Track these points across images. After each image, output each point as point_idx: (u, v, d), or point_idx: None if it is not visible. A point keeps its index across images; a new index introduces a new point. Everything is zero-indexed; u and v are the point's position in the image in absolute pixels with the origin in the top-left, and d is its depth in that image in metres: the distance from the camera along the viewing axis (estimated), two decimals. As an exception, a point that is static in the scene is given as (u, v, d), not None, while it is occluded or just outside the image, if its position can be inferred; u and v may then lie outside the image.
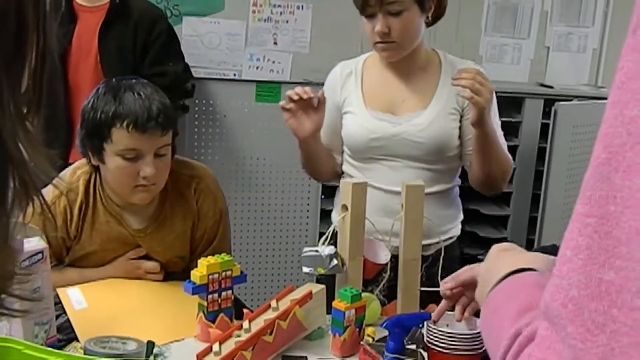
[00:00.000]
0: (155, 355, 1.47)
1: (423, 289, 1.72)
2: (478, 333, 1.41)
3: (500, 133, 1.88)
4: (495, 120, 1.85)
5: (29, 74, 0.51)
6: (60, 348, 1.47)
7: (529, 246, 2.98)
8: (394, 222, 1.72)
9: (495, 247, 0.95)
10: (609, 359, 0.42)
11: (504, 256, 0.88)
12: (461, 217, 2.03)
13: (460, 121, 1.88)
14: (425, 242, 1.76)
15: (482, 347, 1.41)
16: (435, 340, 1.40)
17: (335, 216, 1.86)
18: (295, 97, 1.78)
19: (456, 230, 1.98)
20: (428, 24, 1.86)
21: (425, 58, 1.91)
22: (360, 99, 1.91)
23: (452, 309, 1.37)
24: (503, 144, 1.88)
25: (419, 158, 1.86)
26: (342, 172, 2.01)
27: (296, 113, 1.81)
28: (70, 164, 1.84)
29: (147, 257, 1.85)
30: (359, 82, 1.93)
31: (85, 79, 2.54)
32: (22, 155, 0.50)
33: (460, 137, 1.89)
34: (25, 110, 0.51)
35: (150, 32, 2.59)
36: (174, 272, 1.89)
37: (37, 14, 0.50)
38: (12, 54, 0.49)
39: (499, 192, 2.00)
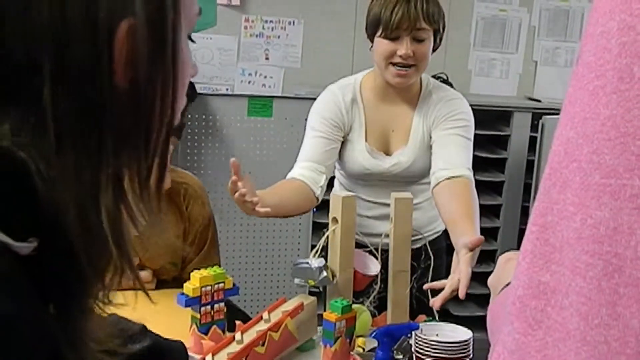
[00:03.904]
0: (149, 367, 1.48)
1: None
2: (465, 342, 1.44)
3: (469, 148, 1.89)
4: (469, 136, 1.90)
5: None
6: None
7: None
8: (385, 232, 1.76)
9: (502, 257, 1.02)
10: (543, 351, 0.47)
11: (508, 267, 0.93)
12: None
13: (431, 136, 1.93)
14: (412, 237, 1.80)
15: (469, 356, 1.44)
16: (424, 349, 1.43)
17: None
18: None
19: (441, 225, 2.05)
20: None
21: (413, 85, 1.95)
22: (362, 131, 1.93)
23: (440, 319, 1.40)
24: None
25: (406, 181, 1.97)
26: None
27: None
28: None
29: (138, 266, 1.88)
30: (362, 112, 1.93)
31: None
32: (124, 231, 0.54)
33: None
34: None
35: None
36: (166, 281, 1.91)
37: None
38: (138, 134, 0.54)
39: None
